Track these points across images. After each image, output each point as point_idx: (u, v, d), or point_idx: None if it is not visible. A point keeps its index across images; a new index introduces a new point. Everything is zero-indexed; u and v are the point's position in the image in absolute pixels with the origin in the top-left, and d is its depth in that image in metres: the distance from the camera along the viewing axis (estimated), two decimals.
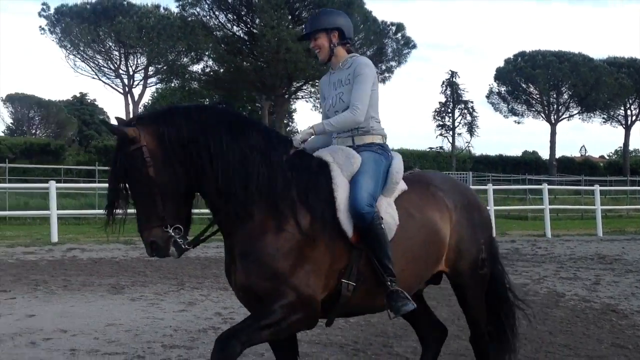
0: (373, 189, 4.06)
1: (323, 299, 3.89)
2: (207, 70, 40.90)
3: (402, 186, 4.35)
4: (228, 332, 3.70)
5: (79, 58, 43.60)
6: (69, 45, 42.95)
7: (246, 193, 3.80)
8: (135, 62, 44.72)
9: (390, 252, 3.99)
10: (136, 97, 44.96)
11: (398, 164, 4.32)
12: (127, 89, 44.61)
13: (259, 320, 3.70)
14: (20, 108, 56.77)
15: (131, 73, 44.73)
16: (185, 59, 42.84)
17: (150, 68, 44.83)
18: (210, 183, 3.80)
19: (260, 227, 3.81)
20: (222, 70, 39.36)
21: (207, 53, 39.41)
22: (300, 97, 43.12)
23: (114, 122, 3.93)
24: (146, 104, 48.51)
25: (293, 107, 50.71)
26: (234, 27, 38.12)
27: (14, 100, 56.70)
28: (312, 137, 4.24)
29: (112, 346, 5.96)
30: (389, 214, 4.11)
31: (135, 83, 45.20)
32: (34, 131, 56.44)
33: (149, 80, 45.69)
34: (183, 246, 3.77)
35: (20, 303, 7.96)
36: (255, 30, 36.41)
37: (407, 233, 4.17)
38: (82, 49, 43.02)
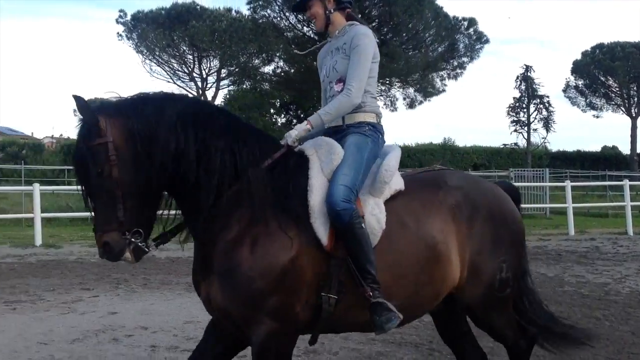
0: (352, 181, 3.58)
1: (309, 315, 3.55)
2: (278, 71, 41.28)
3: (397, 186, 3.81)
4: None
5: (154, 63, 44.69)
6: (145, 51, 44.09)
7: (219, 201, 3.46)
8: (208, 65, 45.54)
9: (374, 256, 3.52)
10: (209, 100, 45.79)
11: (390, 161, 3.78)
12: (200, 92, 45.47)
13: None
14: None
15: (204, 76, 45.57)
16: (256, 61, 43.27)
17: (223, 70, 45.55)
18: (181, 186, 3.47)
19: (235, 241, 3.45)
20: (292, 70, 39.63)
21: (277, 54, 39.73)
22: None
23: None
24: (219, 105, 49.33)
25: None
26: (304, 27, 38.27)
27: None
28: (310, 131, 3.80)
29: (190, 343, 6.10)
30: (374, 216, 3.63)
31: (209, 86, 46.07)
32: None
33: (222, 83, 46.43)
34: (145, 249, 3.45)
35: (103, 301, 8.26)
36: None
37: (395, 244, 3.66)
38: (157, 53, 44.07)
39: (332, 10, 3.95)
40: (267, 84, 43.16)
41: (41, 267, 11.09)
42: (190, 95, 3.65)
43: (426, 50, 37.14)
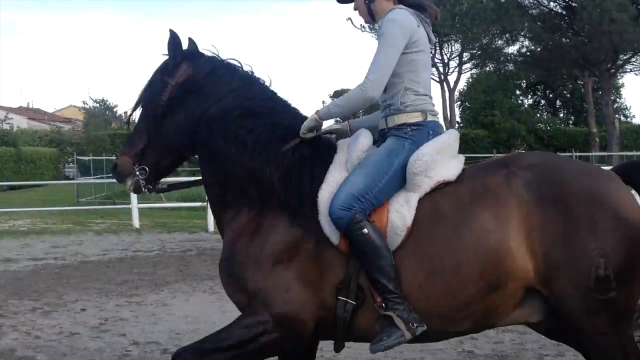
0: (362, 189, 3.24)
1: (326, 320, 3.27)
2: (523, 50, 39.76)
3: (442, 177, 3.33)
4: (186, 346, 3.34)
5: None
6: None
7: (240, 186, 3.42)
8: (449, 50, 45.25)
9: (388, 262, 3.15)
10: (451, 84, 45.54)
11: (424, 149, 3.34)
12: (442, 77, 45.38)
13: (223, 339, 3.27)
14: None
15: (446, 61, 45.36)
16: (499, 42, 42.13)
17: (465, 54, 44.97)
18: (207, 156, 3.52)
19: (239, 228, 3.38)
20: (539, 49, 37.92)
21: (522, 33, 38.31)
22: (628, 70, 39.63)
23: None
24: (461, 90, 48.90)
25: (620, 82, 46.78)
26: (550, 2, 36.44)
27: (340, 94, 61.36)
28: (334, 125, 3.62)
29: None
30: (399, 214, 3.25)
31: (450, 70, 45.78)
32: None
33: (464, 67, 45.86)
34: (142, 188, 3.61)
35: None
36: (574, 4, 34.34)
37: (427, 238, 3.22)
38: None
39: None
40: (511, 64, 41.80)
41: None
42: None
43: None
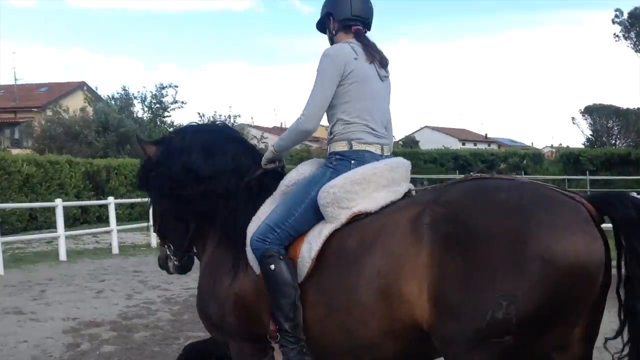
0: (277, 219, 3.35)
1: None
2: None
3: (360, 207, 3.25)
4: None
5: None
6: None
7: (200, 225, 3.80)
8: None
9: (289, 302, 3.19)
10: None
11: (335, 181, 3.31)
12: None
13: None
14: (598, 119, 57.21)
15: None
16: None
17: None
18: (183, 212, 3.88)
19: (204, 263, 3.74)
20: None
21: None
22: None
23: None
24: None
25: None
26: None
27: (592, 111, 57.46)
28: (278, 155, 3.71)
29: None
30: (309, 245, 3.26)
31: None
32: (613, 141, 56.07)
33: None
34: (174, 263, 3.99)
35: None
36: None
37: (328, 272, 3.18)
38: None
39: (334, 32, 3.65)
40: None
41: None
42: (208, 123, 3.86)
43: None
